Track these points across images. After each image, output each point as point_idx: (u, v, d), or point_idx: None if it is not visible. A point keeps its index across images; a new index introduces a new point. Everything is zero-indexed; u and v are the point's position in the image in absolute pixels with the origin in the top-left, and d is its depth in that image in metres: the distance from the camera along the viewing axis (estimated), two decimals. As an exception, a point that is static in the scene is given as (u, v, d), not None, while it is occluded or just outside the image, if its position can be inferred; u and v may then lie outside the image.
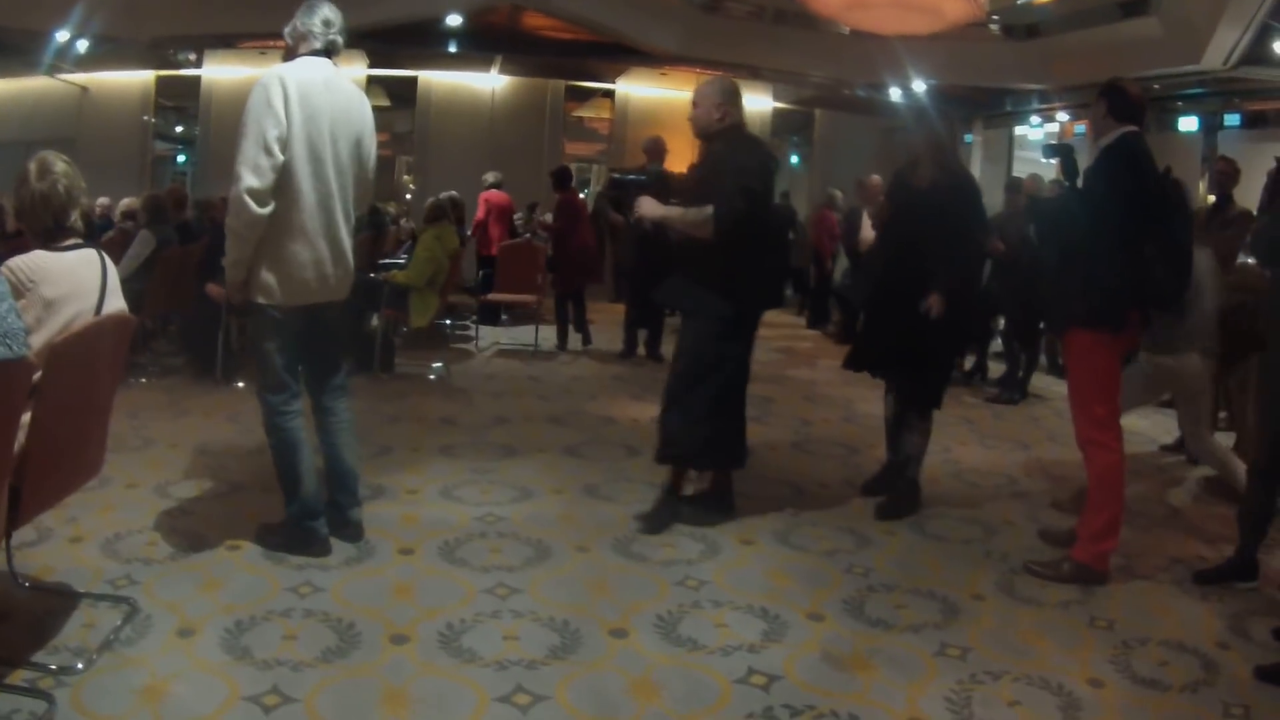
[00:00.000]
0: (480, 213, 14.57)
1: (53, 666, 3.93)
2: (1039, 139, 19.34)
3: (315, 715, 3.77)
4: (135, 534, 5.37)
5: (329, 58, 5.15)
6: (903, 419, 6.63)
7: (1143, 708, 4.23)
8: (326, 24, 5.12)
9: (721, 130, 5.86)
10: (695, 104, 5.93)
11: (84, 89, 18.65)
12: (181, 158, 21.30)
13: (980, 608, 5.15)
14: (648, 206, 5.90)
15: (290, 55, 5.15)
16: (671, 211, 5.89)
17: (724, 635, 4.66)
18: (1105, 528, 5.49)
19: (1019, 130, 20.30)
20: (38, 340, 3.85)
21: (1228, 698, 4.31)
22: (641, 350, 11.95)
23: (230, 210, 4.94)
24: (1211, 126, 13.57)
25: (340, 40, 5.19)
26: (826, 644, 4.64)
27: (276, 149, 4.78)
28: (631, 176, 11.61)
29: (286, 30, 5.20)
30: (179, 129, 21.21)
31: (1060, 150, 5.72)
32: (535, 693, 4.03)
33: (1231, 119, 13.50)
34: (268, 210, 4.82)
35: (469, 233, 14.29)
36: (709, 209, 5.60)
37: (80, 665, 3.96)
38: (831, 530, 6.13)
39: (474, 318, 13.24)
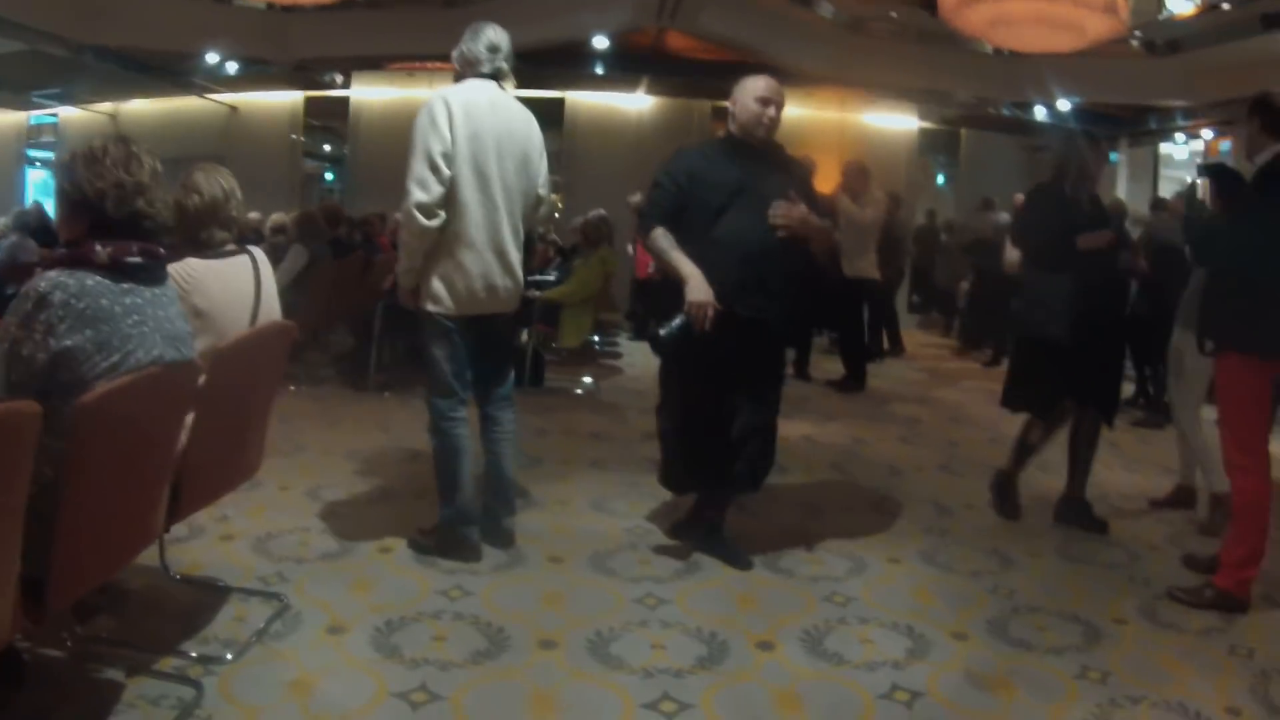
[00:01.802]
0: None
1: (201, 656, 4.05)
2: (1184, 157, 18.95)
3: (462, 714, 3.82)
4: (287, 534, 5.51)
5: (496, 81, 5.32)
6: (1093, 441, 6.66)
7: None
8: (492, 49, 5.30)
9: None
10: (778, 105, 5.65)
11: (233, 108, 19.19)
12: (330, 175, 21.77)
13: (1122, 632, 5.05)
14: None
15: (459, 79, 5.32)
16: None
17: (869, 651, 4.62)
18: (1249, 555, 5.35)
19: (1164, 148, 19.88)
20: (197, 346, 3.96)
21: None
22: (789, 370, 11.89)
23: (402, 223, 5.18)
24: None
25: (506, 66, 5.37)
26: (969, 663, 4.59)
27: (442, 164, 4.98)
28: None
29: (454, 55, 5.38)
30: (327, 148, 21.70)
31: (1215, 170, 5.60)
32: (681, 701, 4.03)
33: None
34: (435, 223, 5.03)
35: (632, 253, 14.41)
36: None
37: (229, 656, 4.07)
38: (976, 551, 6.05)
39: (627, 334, 13.38)
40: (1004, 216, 13.87)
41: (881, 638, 4.76)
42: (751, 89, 5.55)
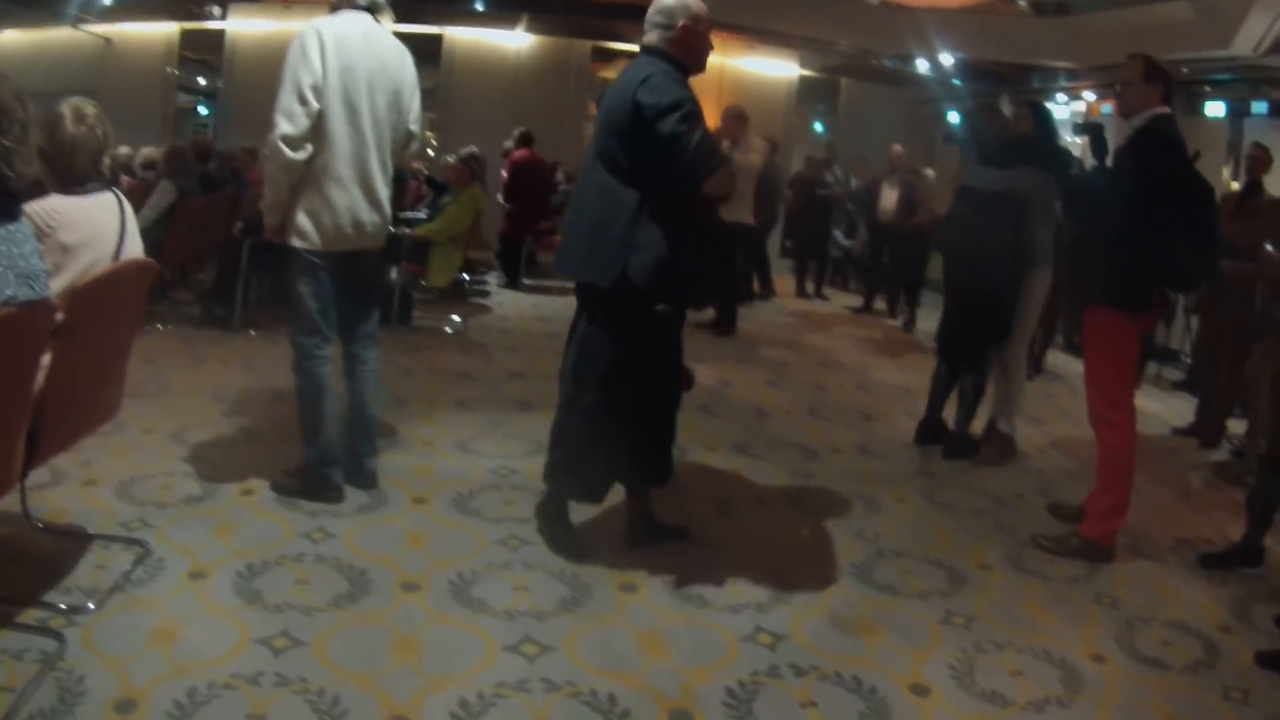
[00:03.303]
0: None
1: (64, 606, 3.92)
2: (1065, 117, 19.20)
3: (325, 659, 3.76)
4: (149, 478, 5.35)
5: (372, 15, 5.17)
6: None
7: (1143, 686, 4.23)
8: None
9: None
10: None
11: (107, 40, 18.59)
12: (204, 110, 21.24)
13: (987, 578, 5.14)
14: None
15: (335, 10, 5.15)
16: None
17: (732, 594, 4.65)
18: (1114, 506, 5.49)
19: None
20: (57, 284, 3.82)
21: (1228, 681, 4.31)
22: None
23: (268, 156, 5.02)
24: (1239, 113, 13.37)
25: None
26: (833, 607, 4.64)
27: (311, 97, 4.84)
28: None
29: None
30: (202, 81, 21.13)
31: (1090, 128, 5.65)
32: (543, 643, 4.03)
33: (1259, 107, 13.28)
34: (301, 156, 4.89)
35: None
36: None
37: (91, 606, 3.95)
38: (842, 495, 6.11)
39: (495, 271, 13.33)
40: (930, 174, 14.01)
41: (744, 580, 4.78)
42: (706, 20, 4.75)
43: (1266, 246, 6.32)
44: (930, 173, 14.08)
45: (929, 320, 11.40)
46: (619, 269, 4.45)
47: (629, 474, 5.05)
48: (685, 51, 4.65)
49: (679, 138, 4.39)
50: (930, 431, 7.30)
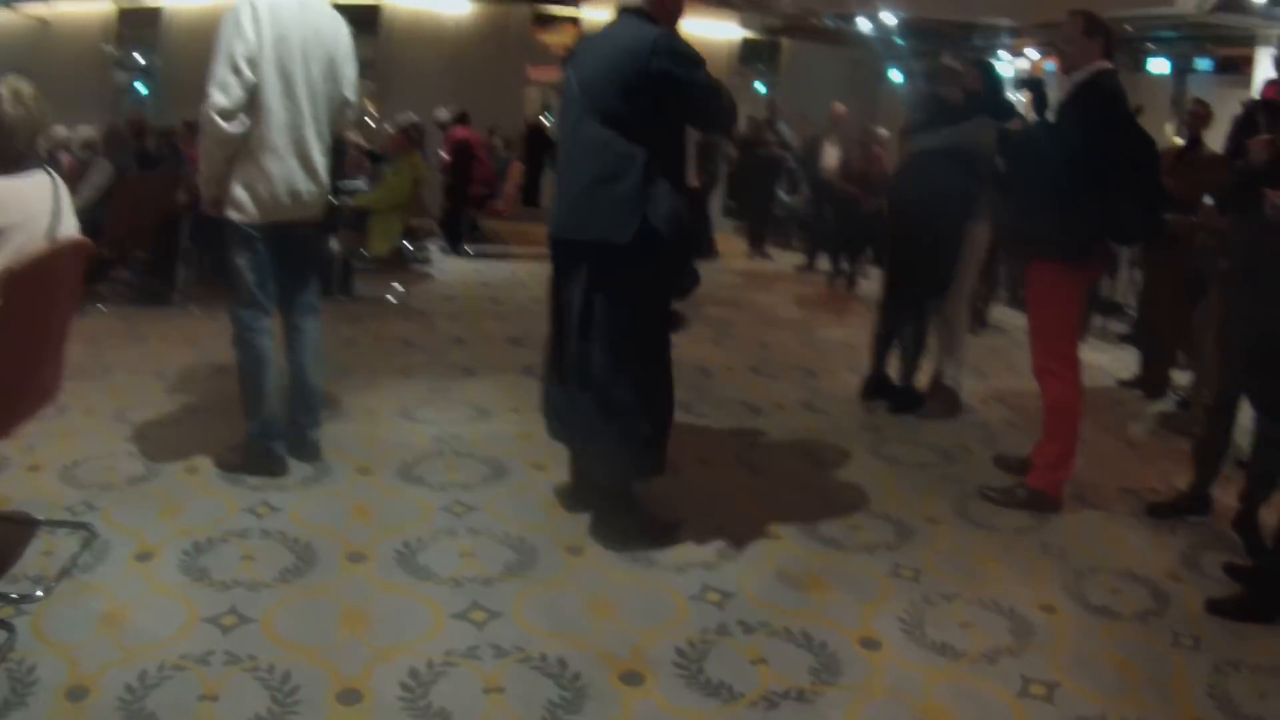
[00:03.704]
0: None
1: (13, 595, 3.87)
2: (1008, 75, 19.23)
3: (274, 635, 3.75)
4: (93, 460, 5.30)
5: None
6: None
7: (1093, 634, 4.25)
8: None
9: None
10: None
11: (43, 21, 18.34)
12: (142, 88, 20.96)
13: (934, 531, 5.16)
14: None
15: None
16: None
17: (679, 553, 4.65)
18: (1060, 457, 5.50)
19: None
20: (-9, 267, 3.76)
21: (1178, 628, 4.33)
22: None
23: (202, 128, 4.96)
24: (1182, 70, 13.45)
25: None
26: (781, 562, 4.65)
27: (245, 68, 4.77)
28: None
29: None
30: (140, 60, 20.84)
31: (1032, 84, 5.65)
32: (491, 609, 4.03)
33: (1203, 64, 13.38)
34: (235, 127, 4.83)
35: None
36: None
37: (40, 593, 3.91)
38: (787, 452, 6.13)
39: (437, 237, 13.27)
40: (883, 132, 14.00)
41: (692, 539, 4.78)
42: None
43: (1206, 200, 6.36)
44: (884, 131, 14.09)
45: (871, 277, 11.43)
46: (636, 225, 4.41)
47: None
48: (665, 11, 4.61)
49: (714, 90, 4.52)
50: (875, 387, 7.31)
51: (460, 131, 13.98)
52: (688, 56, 4.46)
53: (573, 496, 5.10)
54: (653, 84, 4.40)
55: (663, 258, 4.51)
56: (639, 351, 4.67)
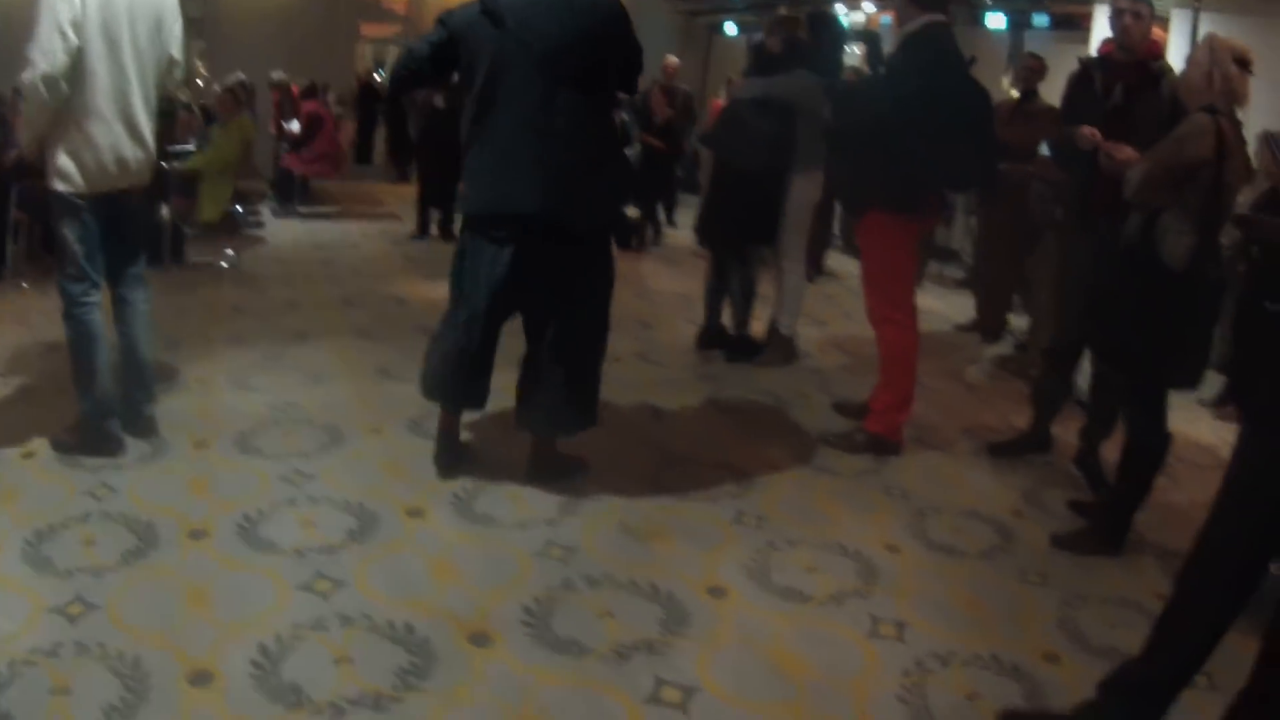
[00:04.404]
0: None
1: None
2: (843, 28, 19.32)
3: (119, 621, 3.70)
4: (-78, 450, 5.14)
5: None
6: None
7: (939, 573, 4.40)
8: None
9: None
10: None
11: None
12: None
13: (775, 478, 5.25)
14: None
15: None
16: None
17: (521, 510, 4.70)
18: (898, 401, 5.62)
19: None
20: None
21: (1024, 564, 4.50)
22: (435, 230, 11.87)
23: (24, 95, 4.83)
24: (1019, 25, 13.62)
25: None
26: (624, 516, 4.71)
27: (70, 32, 4.61)
28: None
29: None
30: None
31: (866, 36, 5.74)
32: (335, 578, 4.03)
33: (1040, 19, 13.58)
34: (60, 94, 4.67)
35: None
36: None
37: (-122, 595, 3.80)
38: (626, 404, 6.18)
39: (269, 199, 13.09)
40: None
41: (531, 496, 4.85)
42: None
43: (1042, 149, 6.54)
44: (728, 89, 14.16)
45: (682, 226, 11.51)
46: (621, 202, 4.45)
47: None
48: None
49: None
50: (711, 337, 7.43)
51: (310, 105, 13.90)
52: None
53: (430, 460, 5.08)
54: (621, 48, 4.51)
55: (620, 219, 4.60)
56: (608, 313, 4.89)
